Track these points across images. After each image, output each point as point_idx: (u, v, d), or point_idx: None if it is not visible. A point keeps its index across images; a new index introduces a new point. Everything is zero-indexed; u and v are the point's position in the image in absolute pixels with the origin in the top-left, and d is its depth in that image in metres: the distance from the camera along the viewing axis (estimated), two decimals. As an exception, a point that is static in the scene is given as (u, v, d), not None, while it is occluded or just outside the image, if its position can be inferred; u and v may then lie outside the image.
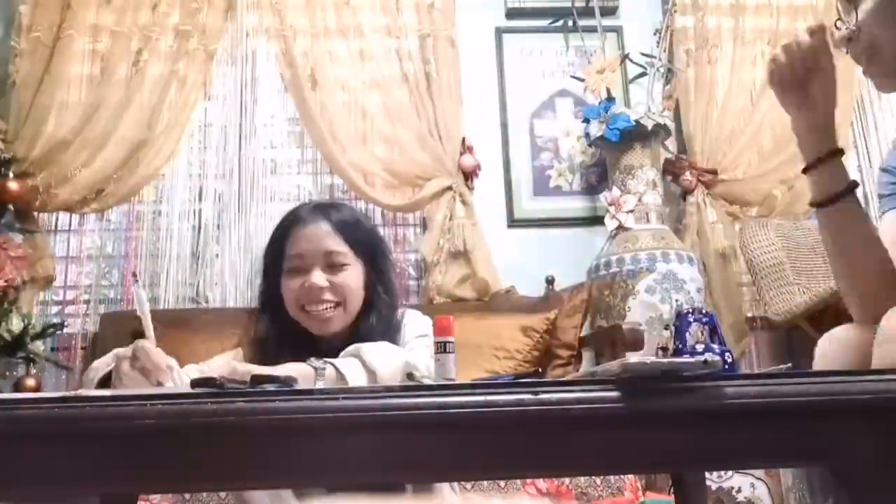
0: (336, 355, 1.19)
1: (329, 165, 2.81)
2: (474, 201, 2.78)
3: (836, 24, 1.14)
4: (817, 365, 1.14)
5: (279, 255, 1.30)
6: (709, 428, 0.68)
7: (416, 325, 1.36)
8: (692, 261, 2.55)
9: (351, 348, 1.17)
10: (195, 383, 0.69)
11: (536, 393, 0.65)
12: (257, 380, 0.67)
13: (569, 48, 2.96)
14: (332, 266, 1.26)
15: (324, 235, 1.27)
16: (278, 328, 1.31)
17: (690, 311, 2.37)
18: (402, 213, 2.84)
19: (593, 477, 1.83)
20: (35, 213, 2.61)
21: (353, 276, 1.28)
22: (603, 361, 2.28)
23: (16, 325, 2.28)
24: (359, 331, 1.28)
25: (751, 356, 2.79)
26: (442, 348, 0.96)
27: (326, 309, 1.25)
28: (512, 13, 3.06)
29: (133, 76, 2.69)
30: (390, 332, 1.29)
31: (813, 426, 0.69)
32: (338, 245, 1.27)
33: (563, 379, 0.72)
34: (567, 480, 1.81)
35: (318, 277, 1.24)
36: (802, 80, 1.10)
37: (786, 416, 0.68)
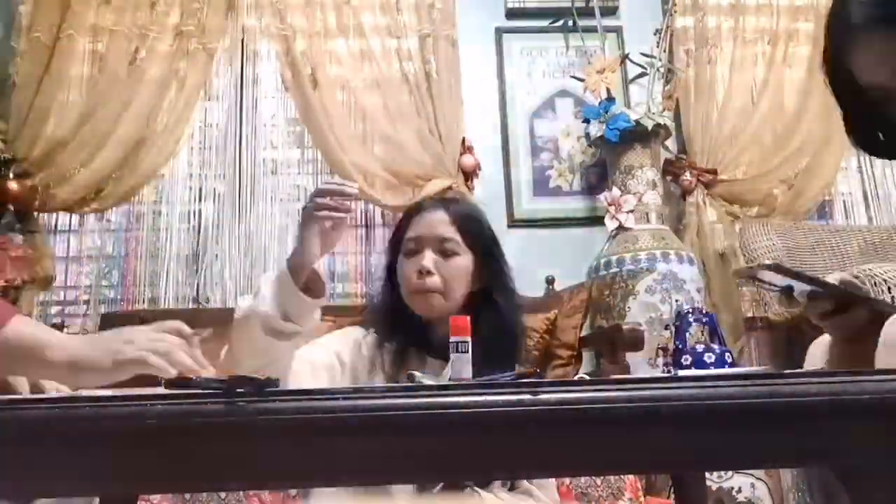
0: (446, 343, 1.23)
1: (329, 165, 2.81)
2: (474, 201, 2.78)
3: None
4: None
5: (399, 240, 1.38)
6: (709, 428, 0.68)
7: None
8: (692, 261, 2.55)
9: None
10: (171, 383, 0.69)
11: (536, 393, 0.65)
12: (235, 380, 0.66)
13: (569, 48, 2.96)
14: (444, 252, 1.33)
15: (439, 222, 1.35)
16: (392, 310, 1.37)
17: (690, 311, 2.37)
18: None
19: (593, 476, 1.82)
20: (35, 214, 2.61)
21: (463, 264, 1.33)
22: (603, 361, 2.28)
23: (16, 325, 2.28)
24: (485, 318, 1.31)
25: (751, 356, 2.79)
26: (456, 348, 0.96)
27: (430, 294, 1.31)
28: (512, 13, 3.06)
29: (133, 76, 2.69)
30: (507, 330, 1.33)
31: (813, 426, 0.69)
32: (451, 233, 1.34)
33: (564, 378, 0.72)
34: (567, 480, 1.81)
35: (429, 259, 1.31)
36: None
37: (786, 416, 0.68)
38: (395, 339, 1.34)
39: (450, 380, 0.97)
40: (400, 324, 1.35)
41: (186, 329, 0.97)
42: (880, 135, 1.08)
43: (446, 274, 1.31)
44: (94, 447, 0.64)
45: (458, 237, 1.34)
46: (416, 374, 1.00)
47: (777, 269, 0.96)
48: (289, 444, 0.65)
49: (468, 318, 0.99)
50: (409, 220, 1.39)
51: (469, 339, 0.97)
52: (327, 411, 0.64)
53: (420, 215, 1.38)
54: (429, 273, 1.30)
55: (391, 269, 1.39)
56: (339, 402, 0.64)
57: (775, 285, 1.05)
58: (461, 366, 0.95)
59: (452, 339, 0.98)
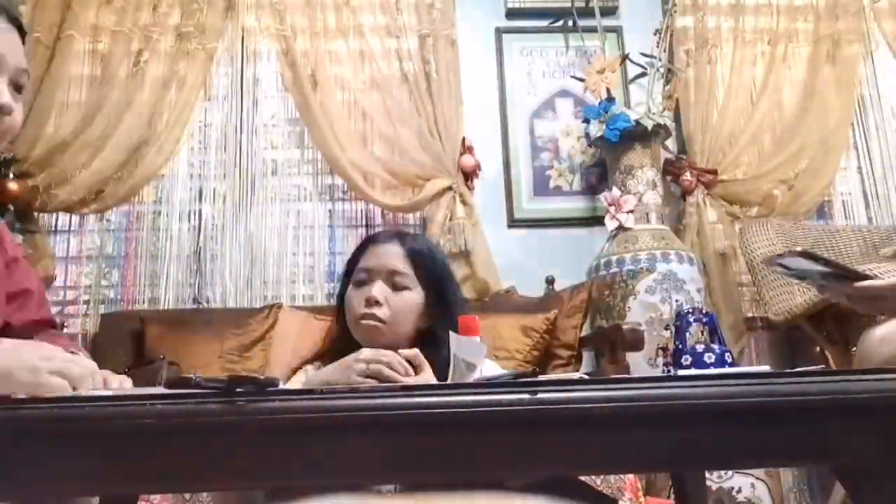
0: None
1: (329, 165, 2.81)
2: (474, 201, 2.78)
3: None
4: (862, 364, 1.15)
5: (351, 271, 1.38)
6: (709, 428, 0.68)
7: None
8: (692, 261, 2.55)
9: None
10: (170, 384, 0.69)
11: (535, 393, 0.65)
12: (235, 379, 0.66)
13: (569, 48, 2.96)
14: (394, 285, 1.32)
15: (392, 255, 1.34)
16: (343, 339, 1.36)
17: (690, 311, 2.37)
18: (402, 213, 2.83)
19: (593, 477, 1.82)
20: (35, 214, 2.61)
21: (412, 299, 1.32)
22: (603, 361, 2.28)
23: (16, 325, 2.28)
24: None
25: (751, 356, 2.79)
26: None
27: (375, 324, 1.29)
28: (512, 13, 3.06)
29: (133, 76, 2.69)
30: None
31: (813, 426, 0.69)
32: (403, 267, 1.33)
33: (562, 378, 0.72)
34: (567, 480, 1.80)
35: (377, 289, 1.30)
36: None
37: (786, 416, 0.68)
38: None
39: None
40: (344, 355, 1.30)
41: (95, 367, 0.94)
42: None
43: (394, 307, 1.30)
44: (94, 447, 0.64)
45: (409, 271, 1.33)
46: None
47: (807, 255, 0.96)
48: (288, 443, 0.65)
49: (476, 317, 0.99)
50: (362, 250, 1.39)
51: (479, 338, 0.97)
52: (327, 411, 0.64)
53: (374, 246, 1.37)
54: (376, 303, 1.29)
55: (342, 299, 1.39)
56: (339, 401, 0.64)
57: (804, 272, 1.05)
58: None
59: (461, 337, 0.97)
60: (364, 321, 1.29)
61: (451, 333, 1.00)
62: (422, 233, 1.48)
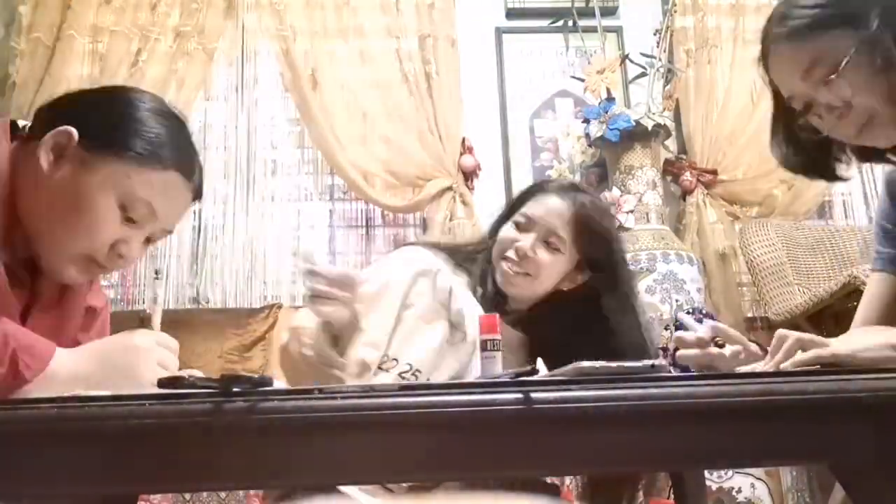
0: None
1: (329, 166, 2.81)
2: (474, 201, 2.78)
3: (797, 119, 1.08)
4: None
5: (517, 207, 1.34)
6: (709, 428, 0.68)
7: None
8: (692, 261, 2.55)
9: None
10: (162, 383, 0.69)
11: (535, 392, 0.65)
12: (227, 379, 0.66)
13: (569, 48, 2.96)
14: (547, 242, 1.29)
15: (557, 214, 1.30)
16: (485, 260, 1.35)
17: (690, 311, 2.37)
18: (403, 213, 2.84)
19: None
20: (35, 214, 2.61)
21: (558, 262, 1.29)
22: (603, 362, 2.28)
23: (16, 325, 2.28)
24: (549, 317, 1.30)
25: (751, 356, 2.78)
26: (485, 346, 0.96)
27: (517, 273, 1.28)
28: (512, 13, 3.06)
29: (132, 76, 2.69)
30: (585, 338, 1.26)
31: (813, 426, 0.69)
32: (562, 230, 1.29)
33: (560, 378, 0.72)
34: (567, 480, 1.81)
35: (528, 242, 1.28)
36: None
37: (786, 416, 0.68)
38: (484, 288, 1.31)
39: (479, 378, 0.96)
40: (484, 287, 1.32)
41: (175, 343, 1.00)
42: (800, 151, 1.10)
43: (539, 263, 1.28)
44: (93, 447, 0.65)
45: (567, 236, 1.29)
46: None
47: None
48: (288, 443, 0.65)
49: (496, 315, 0.99)
50: (533, 193, 1.35)
51: (499, 337, 0.97)
52: (326, 410, 0.64)
53: (543, 196, 1.33)
54: (524, 256, 1.28)
55: (498, 224, 1.37)
56: (338, 401, 0.64)
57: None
58: (493, 364, 0.95)
59: (482, 336, 0.97)
60: (505, 264, 1.29)
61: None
62: (596, 196, 1.43)
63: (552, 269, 1.29)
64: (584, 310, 1.29)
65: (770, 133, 1.13)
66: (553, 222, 1.29)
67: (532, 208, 1.32)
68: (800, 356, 0.90)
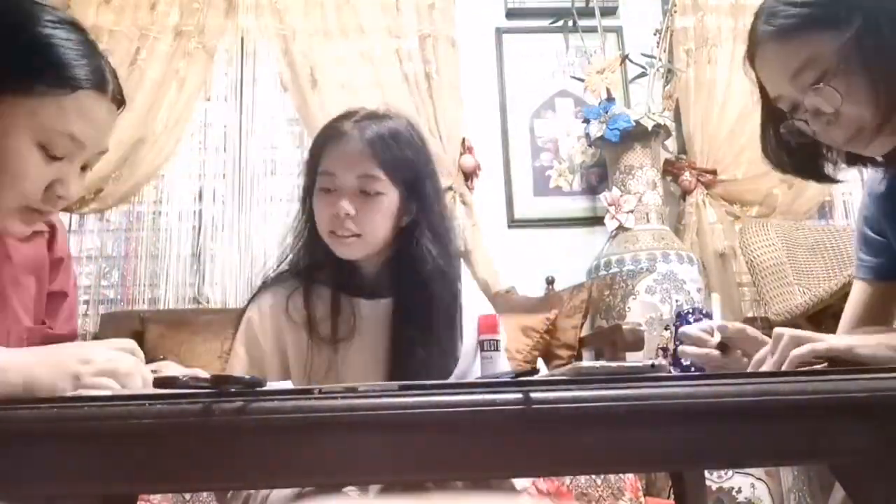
0: (371, 281, 1.20)
1: (329, 165, 2.81)
2: (474, 201, 2.78)
3: (787, 125, 1.05)
4: None
5: (313, 169, 1.22)
6: (709, 428, 0.68)
7: (478, 303, 1.27)
8: (692, 261, 2.55)
9: None
10: (157, 383, 0.69)
11: (535, 392, 0.65)
12: (219, 379, 0.66)
13: (569, 48, 2.96)
14: (364, 192, 1.16)
15: (359, 156, 1.16)
16: (318, 251, 1.23)
17: (690, 311, 2.37)
18: (402, 213, 2.83)
19: (593, 477, 1.82)
20: (35, 214, 2.61)
21: (385, 204, 1.17)
22: (603, 362, 2.28)
23: (16, 325, 2.28)
24: (395, 261, 1.21)
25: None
26: (483, 346, 0.96)
27: (350, 237, 1.17)
28: (512, 13, 3.06)
29: (132, 76, 2.69)
30: (449, 267, 1.20)
31: (813, 426, 0.68)
32: (372, 168, 1.16)
33: (559, 378, 0.72)
34: (567, 480, 1.81)
35: (345, 205, 1.15)
36: None
37: (786, 416, 0.68)
38: (326, 283, 1.21)
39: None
40: (326, 265, 1.21)
41: (139, 351, 0.90)
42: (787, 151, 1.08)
43: (366, 216, 1.16)
44: (93, 447, 0.65)
45: (380, 173, 1.16)
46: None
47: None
48: (287, 443, 0.65)
49: (496, 315, 0.98)
50: (324, 144, 1.21)
51: (499, 337, 0.95)
52: (323, 410, 0.64)
53: (337, 143, 1.18)
54: (347, 216, 1.15)
55: (307, 196, 1.24)
56: (337, 401, 0.64)
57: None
58: (492, 365, 0.94)
59: (480, 337, 0.96)
60: (336, 236, 1.17)
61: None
62: (387, 111, 1.30)
63: (381, 216, 1.17)
64: (409, 248, 1.19)
65: (760, 132, 1.12)
66: (359, 166, 1.16)
67: (330, 163, 1.18)
68: (796, 351, 0.90)
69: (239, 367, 1.23)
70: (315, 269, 1.24)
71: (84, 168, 0.98)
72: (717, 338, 1.07)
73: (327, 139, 1.21)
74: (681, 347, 1.10)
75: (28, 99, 0.87)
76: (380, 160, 1.16)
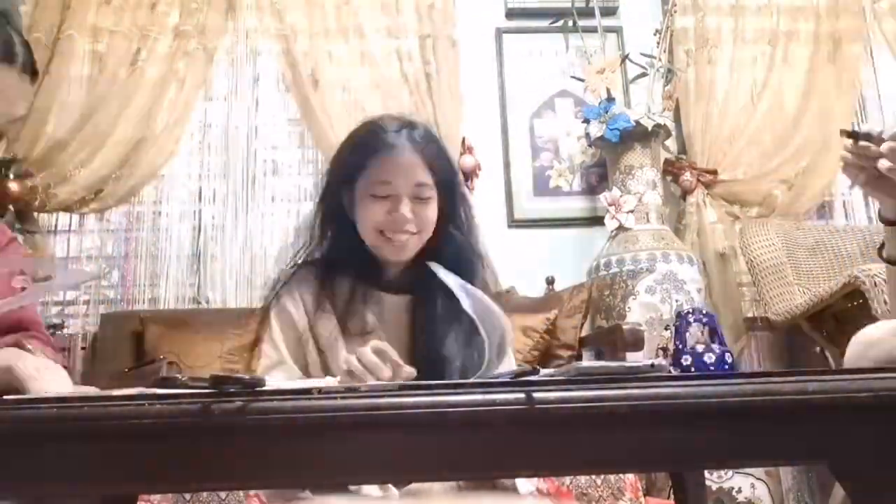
0: (401, 279, 1.29)
1: (329, 165, 2.81)
2: (474, 202, 2.77)
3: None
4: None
5: (356, 174, 1.28)
6: (708, 427, 0.68)
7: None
8: (692, 261, 2.55)
9: None
10: (156, 383, 0.69)
11: (535, 392, 0.65)
12: (217, 379, 0.66)
13: (569, 48, 2.96)
14: (419, 198, 1.26)
15: (414, 166, 1.27)
16: (345, 247, 1.31)
17: (690, 311, 2.37)
18: (402, 213, 2.83)
19: (593, 477, 1.82)
20: (35, 214, 2.61)
21: (434, 207, 1.29)
22: (603, 361, 2.28)
23: (16, 325, 2.28)
24: (435, 262, 1.24)
25: (751, 356, 2.79)
26: None
27: (406, 238, 1.26)
28: (512, 13, 3.06)
29: (132, 76, 2.69)
30: (464, 263, 1.28)
31: (813, 425, 0.68)
32: (426, 177, 1.27)
33: (560, 378, 0.72)
34: (567, 480, 1.81)
35: (407, 209, 1.24)
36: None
37: (786, 416, 0.68)
38: (350, 277, 1.29)
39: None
40: (353, 265, 1.29)
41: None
42: None
43: (422, 220, 1.27)
44: (93, 447, 0.65)
45: (431, 181, 1.28)
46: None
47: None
48: (286, 443, 0.65)
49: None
50: (375, 154, 1.27)
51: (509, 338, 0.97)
52: (323, 410, 0.64)
53: (391, 156, 1.26)
54: (406, 222, 1.25)
55: (331, 198, 1.32)
56: (338, 401, 0.64)
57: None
58: (502, 366, 0.96)
59: None
60: (394, 238, 1.25)
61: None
62: (425, 123, 1.40)
63: (432, 218, 1.28)
64: (448, 238, 1.31)
65: None
66: (416, 176, 1.26)
67: (386, 173, 1.26)
68: None
69: (273, 353, 1.27)
70: (340, 264, 1.31)
71: (1, 136, 1.03)
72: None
73: (377, 150, 1.28)
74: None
75: None
76: (430, 168, 1.28)
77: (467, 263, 1.29)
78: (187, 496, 1.75)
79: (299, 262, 1.35)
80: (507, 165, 2.93)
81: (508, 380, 0.72)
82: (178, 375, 0.66)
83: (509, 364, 1.25)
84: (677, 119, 2.95)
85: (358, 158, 1.30)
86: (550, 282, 2.69)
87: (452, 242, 1.31)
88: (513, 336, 1.31)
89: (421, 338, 1.26)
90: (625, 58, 2.88)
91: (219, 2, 2.83)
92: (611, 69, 2.75)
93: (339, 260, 1.31)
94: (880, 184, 1.08)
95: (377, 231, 1.26)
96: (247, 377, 0.67)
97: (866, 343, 1.14)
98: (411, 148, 1.28)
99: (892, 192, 1.09)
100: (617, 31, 3.03)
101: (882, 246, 1.21)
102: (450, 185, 1.32)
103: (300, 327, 1.28)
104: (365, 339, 1.21)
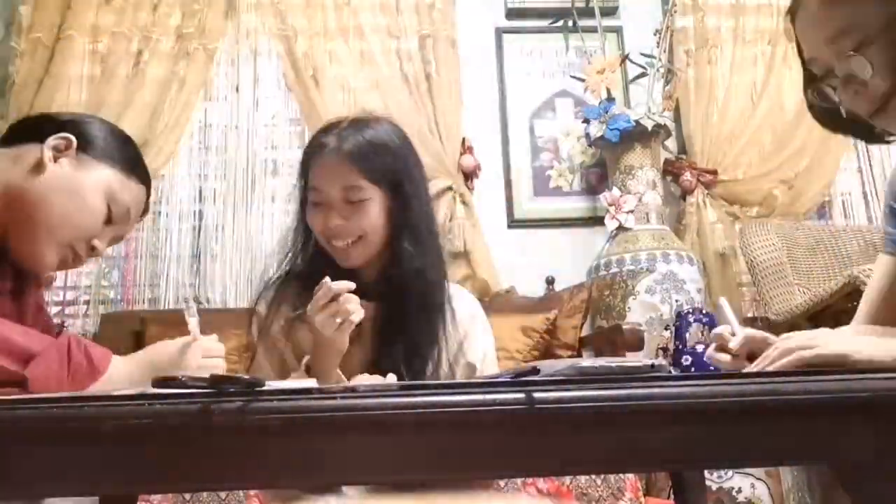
0: (371, 284, 1.24)
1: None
2: (474, 202, 2.78)
3: (815, 87, 1.04)
4: None
5: (305, 182, 1.27)
6: (708, 427, 0.68)
7: (465, 304, 1.33)
8: (692, 261, 2.55)
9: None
10: (156, 383, 0.69)
11: (538, 392, 0.65)
12: (217, 379, 0.66)
13: (569, 48, 2.96)
14: (350, 201, 1.21)
15: (339, 169, 1.21)
16: (313, 257, 1.30)
17: (690, 311, 2.37)
18: (402, 213, 2.83)
19: (593, 477, 1.82)
20: (35, 214, 2.61)
21: (373, 209, 1.22)
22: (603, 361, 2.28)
23: (16, 325, 2.28)
24: (391, 264, 1.25)
25: (751, 356, 2.79)
26: None
27: (348, 245, 1.22)
28: (512, 13, 3.06)
29: (133, 77, 2.69)
30: (427, 268, 1.24)
31: (813, 425, 0.68)
32: (354, 179, 1.20)
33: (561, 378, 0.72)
34: (567, 480, 1.81)
35: (334, 217, 1.21)
36: None
37: (786, 416, 0.68)
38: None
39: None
40: (325, 273, 1.24)
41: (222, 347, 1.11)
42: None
43: (357, 224, 1.21)
44: (93, 447, 0.64)
45: (362, 181, 1.20)
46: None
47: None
48: (286, 443, 0.65)
49: None
50: (310, 158, 1.25)
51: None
52: (323, 410, 0.64)
53: (319, 159, 1.23)
54: (338, 229, 1.21)
55: (302, 207, 1.29)
56: (338, 401, 0.64)
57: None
58: None
59: None
60: (335, 243, 1.22)
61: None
62: (370, 116, 1.33)
63: (371, 221, 1.22)
64: (395, 252, 1.25)
65: (803, 92, 1.10)
66: (340, 179, 1.21)
67: (316, 179, 1.23)
68: (781, 361, 0.88)
69: (261, 360, 1.29)
70: (315, 272, 1.26)
71: (108, 243, 1.15)
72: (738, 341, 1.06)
73: (311, 154, 1.26)
74: (710, 353, 1.10)
75: (115, 172, 1.12)
76: (359, 169, 1.21)
77: (413, 272, 1.23)
78: (187, 496, 1.76)
79: (282, 273, 1.34)
80: (507, 165, 2.93)
81: (509, 380, 0.72)
82: (178, 375, 0.66)
83: (478, 342, 1.25)
84: (677, 119, 2.95)
85: (303, 166, 1.28)
86: (550, 282, 2.69)
87: (409, 242, 1.24)
88: (482, 316, 1.31)
89: (377, 349, 1.24)
90: (625, 58, 2.88)
91: (219, 2, 2.83)
92: (611, 69, 2.75)
93: (315, 270, 1.27)
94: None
95: (325, 241, 1.24)
96: (246, 377, 0.67)
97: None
98: (337, 150, 1.22)
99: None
100: (617, 31, 3.03)
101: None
102: (392, 182, 1.24)
103: (275, 334, 1.29)
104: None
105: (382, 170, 1.23)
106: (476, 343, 1.29)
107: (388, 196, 1.24)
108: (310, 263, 1.30)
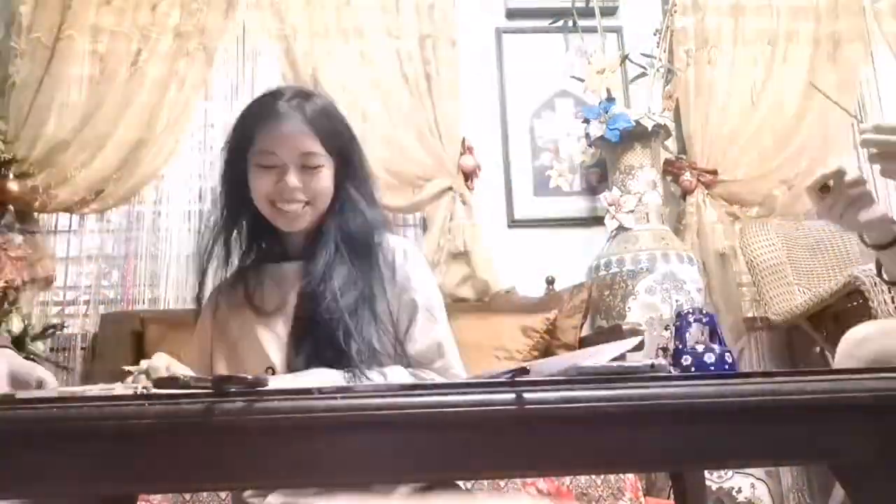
0: (301, 249, 1.28)
1: (329, 166, 2.81)
2: (474, 202, 2.78)
3: None
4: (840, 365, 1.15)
5: (247, 145, 1.26)
6: (708, 427, 0.68)
7: (415, 264, 1.33)
8: (692, 261, 2.55)
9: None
10: (158, 383, 0.69)
11: (528, 392, 0.65)
12: (221, 379, 0.66)
13: (569, 48, 2.96)
14: (307, 167, 1.24)
15: (300, 136, 1.24)
16: (244, 220, 1.32)
17: (690, 311, 2.37)
18: (402, 213, 2.83)
19: (593, 477, 1.82)
20: (35, 214, 2.61)
21: (327, 176, 1.26)
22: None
23: (16, 325, 2.28)
24: (328, 227, 1.27)
25: (751, 356, 2.79)
26: None
27: (298, 208, 1.24)
28: (512, 13, 3.06)
29: (133, 77, 2.69)
30: (363, 233, 1.28)
31: (813, 425, 0.68)
32: (313, 145, 1.24)
33: (562, 378, 0.72)
34: (567, 480, 1.81)
35: (294, 179, 1.23)
36: None
37: (786, 416, 0.68)
38: (254, 263, 1.31)
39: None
40: (255, 238, 1.31)
41: None
42: None
43: (313, 189, 1.24)
44: (92, 447, 0.64)
45: (320, 148, 1.24)
46: None
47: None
48: (286, 444, 0.65)
49: None
50: (260, 123, 1.25)
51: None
52: (323, 410, 0.64)
53: (277, 124, 1.24)
54: (294, 191, 1.23)
55: (238, 177, 1.28)
56: (338, 401, 0.64)
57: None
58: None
59: None
60: (285, 208, 1.24)
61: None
62: (309, 89, 1.37)
63: (325, 186, 1.26)
64: (339, 214, 1.29)
65: None
66: (302, 145, 1.23)
67: (271, 143, 1.24)
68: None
69: (193, 357, 1.36)
70: (247, 250, 1.34)
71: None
72: None
73: (262, 118, 1.27)
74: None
75: None
76: (318, 136, 1.25)
77: (366, 232, 1.28)
78: (187, 496, 1.75)
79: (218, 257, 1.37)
80: (507, 165, 2.93)
81: (503, 380, 0.72)
82: (178, 376, 0.66)
83: (434, 329, 1.25)
84: (677, 119, 2.95)
85: (246, 129, 1.28)
86: (550, 282, 2.69)
87: (351, 209, 1.28)
88: (439, 300, 1.30)
89: (303, 299, 1.24)
90: (625, 58, 2.88)
91: (219, 2, 2.83)
92: (611, 69, 2.75)
93: (241, 232, 1.33)
94: (850, 216, 1.10)
95: (268, 201, 1.25)
96: (249, 377, 0.67)
97: (854, 341, 1.15)
98: (299, 117, 1.25)
99: (857, 224, 1.10)
100: (617, 31, 3.03)
101: (879, 266, 1.21)
102: (345, 153, 1.30)
103: (209, 332, 1.37)
104: (267, 316, 1.26)
105: (337, 139, 1.29)
106: (416, 283, 1.28)
107: (338, 165, 1.29)
108: (249, 234, 1.34)
